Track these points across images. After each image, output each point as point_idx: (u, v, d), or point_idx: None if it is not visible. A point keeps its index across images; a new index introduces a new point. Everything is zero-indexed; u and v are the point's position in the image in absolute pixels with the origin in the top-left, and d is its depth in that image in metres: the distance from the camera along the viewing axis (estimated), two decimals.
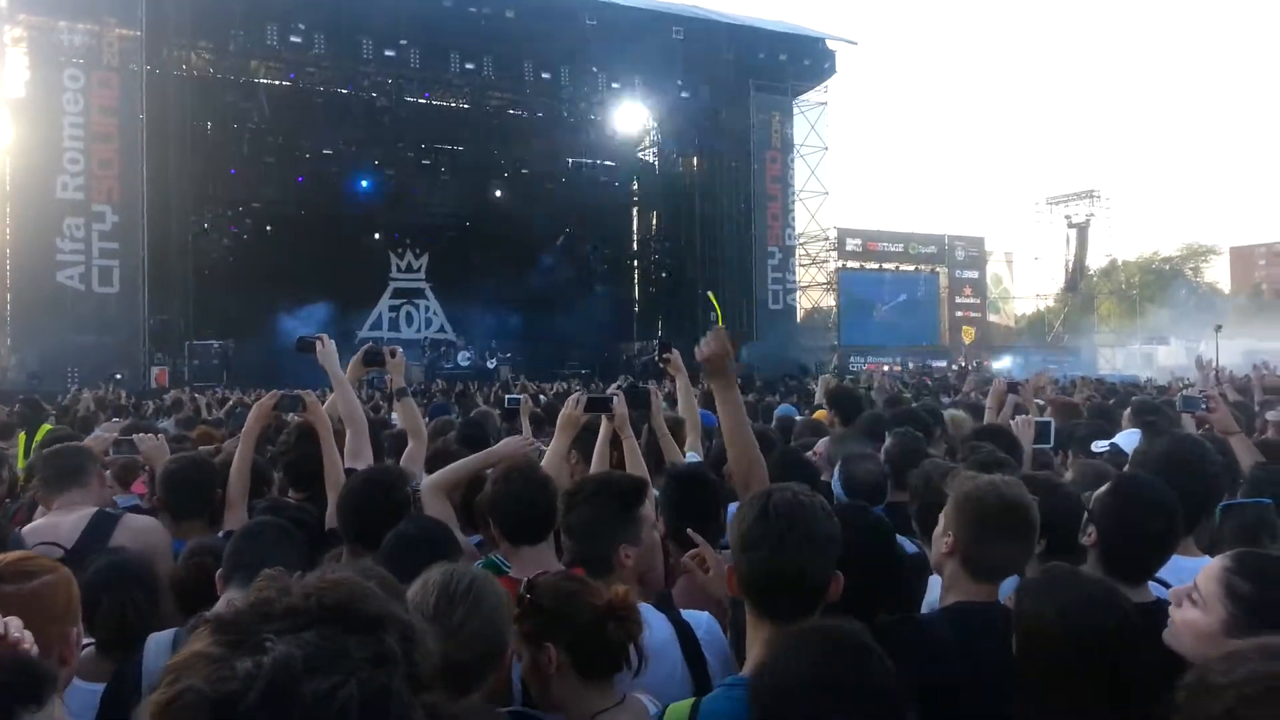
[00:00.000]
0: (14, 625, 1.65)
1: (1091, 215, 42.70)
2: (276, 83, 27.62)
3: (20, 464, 6.43)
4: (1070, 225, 43.16)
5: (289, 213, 28.95)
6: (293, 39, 24.57)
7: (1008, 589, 2.44)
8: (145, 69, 23.00)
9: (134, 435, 5.11)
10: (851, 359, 35.66)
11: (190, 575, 3.02)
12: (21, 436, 7.86)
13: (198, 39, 25.22)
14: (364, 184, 29.41)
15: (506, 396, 6.15)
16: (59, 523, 3.47)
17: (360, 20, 24.70)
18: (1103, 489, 2.73)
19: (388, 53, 25.51)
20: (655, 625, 2.50)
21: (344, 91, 27.44)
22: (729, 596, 2.78)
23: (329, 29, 24.78)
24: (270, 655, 0.81)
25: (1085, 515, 2.68)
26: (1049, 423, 4.93)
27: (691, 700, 2.08)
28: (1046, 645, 2.00)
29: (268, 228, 28.84)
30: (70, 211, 22.08)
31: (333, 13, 24.35)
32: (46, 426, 7.64)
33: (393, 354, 4.87)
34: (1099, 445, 4.62)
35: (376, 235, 31.17)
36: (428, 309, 32.62)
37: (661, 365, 5.52)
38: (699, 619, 2.60)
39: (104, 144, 22.45)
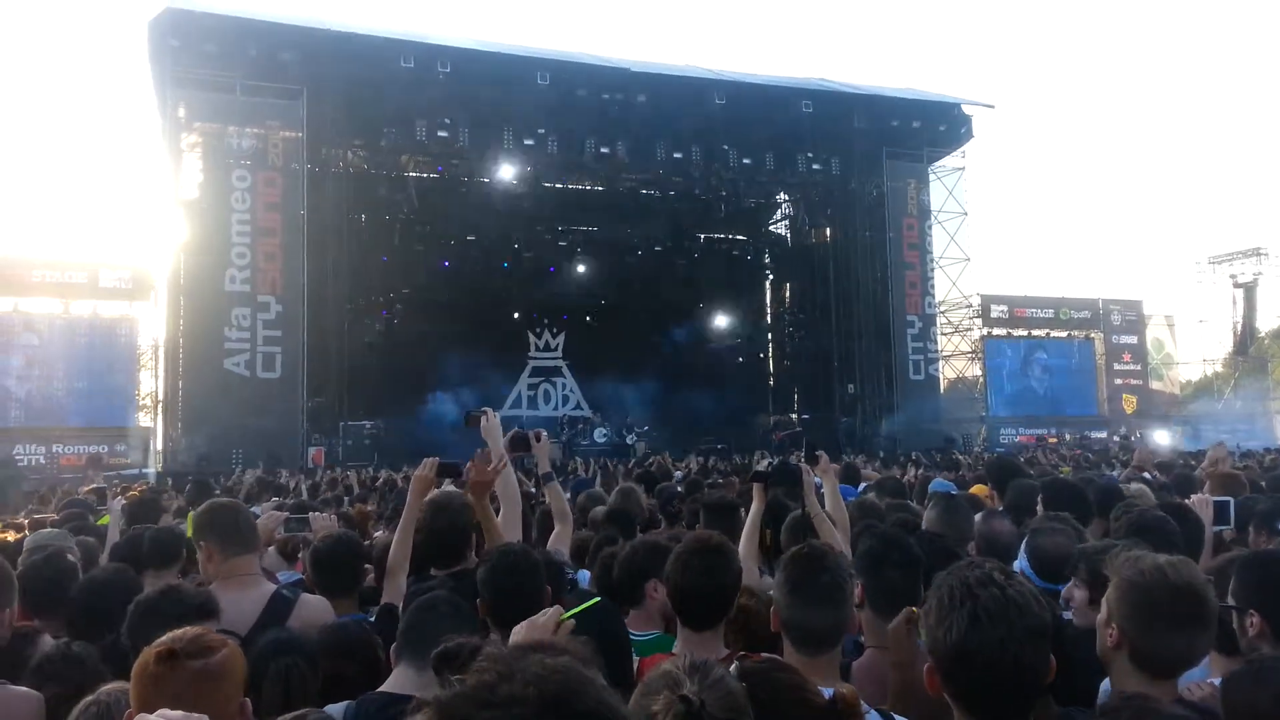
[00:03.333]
0: None
1: (1260, 274, 39.98)
2: (425, 175, 29.18)
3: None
4: (1236, 285, 40.49)
5: (436, 297, 30.21)
6: (440, 134, 25.90)
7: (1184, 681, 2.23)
8: (306, 167, 24.67)
9: (309, 514, 5.29)
10: (1001, 430, 34.11)
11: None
12: (190, 517, 8.26)
13: (353, 138, 26.93)
14: (504, 265, 30.56)
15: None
16: (236, 603, 3.49)
17: (501, 113, 25.88)
18: (1234, 577, 2.56)
19: (527, 141, 26.58)
20: None
21: (486, 181, 28.69)
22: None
23: (472, 122, 26.04)
24: None
25: (1232, 609, 2.48)
26: (1229, 501, 4.49)
27: None
28: None
29: (416, 312, 30.18)
30: (238, 303, 23.61)
31: (476, 108, 25.60)
32: None
33: (538, 438, 4.90)
34: None
35: (516, 315, 32.16)
36: (565, 386, 33.18)
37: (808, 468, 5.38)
38: None
39: (268, 238, 24.06)
